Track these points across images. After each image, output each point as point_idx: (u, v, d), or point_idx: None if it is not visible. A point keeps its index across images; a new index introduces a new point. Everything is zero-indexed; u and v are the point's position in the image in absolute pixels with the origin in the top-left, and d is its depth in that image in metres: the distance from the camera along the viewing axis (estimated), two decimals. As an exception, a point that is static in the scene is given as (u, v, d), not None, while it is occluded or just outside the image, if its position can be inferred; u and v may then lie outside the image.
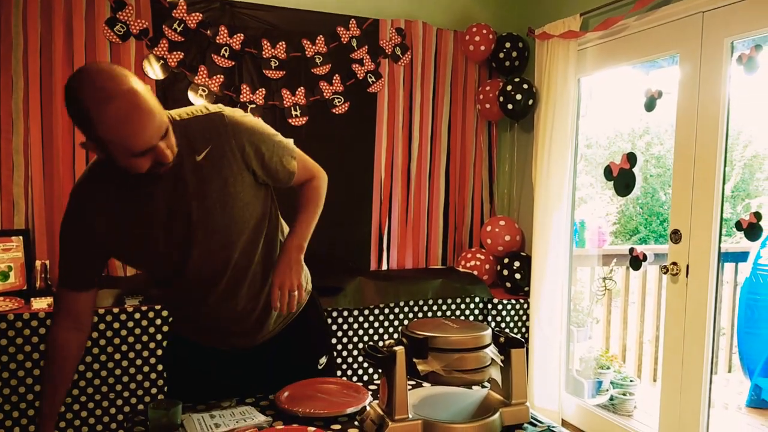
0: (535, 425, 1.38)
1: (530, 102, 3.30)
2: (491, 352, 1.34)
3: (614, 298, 4.07)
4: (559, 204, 3.20)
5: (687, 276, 2.61)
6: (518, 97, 3.28)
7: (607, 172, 3.02)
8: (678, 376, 2.64)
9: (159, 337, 2.65)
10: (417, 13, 3.47)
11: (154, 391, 2.66)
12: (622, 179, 2.96)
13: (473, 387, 1.55)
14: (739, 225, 2.46)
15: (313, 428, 1.30)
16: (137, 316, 2.61)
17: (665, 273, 2.70)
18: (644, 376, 3.99)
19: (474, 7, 3.62)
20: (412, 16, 3.44)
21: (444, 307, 3.16)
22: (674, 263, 2.65)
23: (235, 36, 3.05)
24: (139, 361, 2.62)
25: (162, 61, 2.96)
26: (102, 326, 2.56)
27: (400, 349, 1.29)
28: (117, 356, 2.59)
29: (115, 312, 2.58)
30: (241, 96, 3.09)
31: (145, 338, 2.63)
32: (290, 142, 1.57)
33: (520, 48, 3.43)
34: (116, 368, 2.59)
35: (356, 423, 1.37)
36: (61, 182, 2.81)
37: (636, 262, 2.93)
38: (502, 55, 3.44)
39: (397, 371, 1.28)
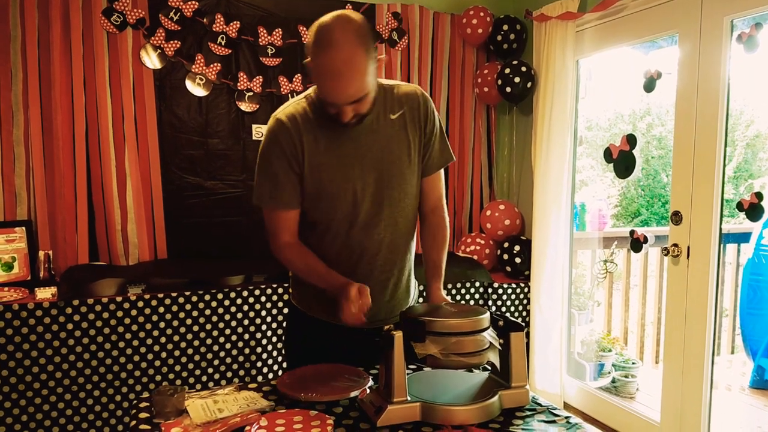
0: (535, 408, 1.40)
1: (529, 85, 3.29)
2: (489, 335, 1.35)
3: (615, 281, 4.08)
4: (558, 187, 3.19)
5: (688, 258, 2.61)
6: (516, 80, 3.26)
7: (607, 155, 3.01)
8: (680, 357, 2.65)
9: (162, 324, 2.67)
10: (414, -4, 3.45)
11: (158, 378, 2.68)
12: (622, 161, 2.95)
13: (474, 370, 1.56)
14: (740, 205, 2.45)
15: (315, 412, 1.31)
16: (140, 304, 2.63)
17: (666, 255, 2.70)
18: (646, 358, 4.01)
19: (471, -11, 3.59)
20: (408, 0, 3.42)
21: (444, 292, 3.16)
22: (675, 245, 2.66)
23: (231, 24, 3.04)
24: (143, 349, 2.65)
25: (159, 51, 2.95)
26: (105, 315, 2.58)
27: (398, 333, 1.30)
28: (121, 344, 2.61)
29: (118, 301, 2.60)
30: (239, 84, 3.08)
31: (148, 326, 2.65)
32: None
33: (517, 30, 3.41)
34: (120, 356, 2.61)
35: (357, 406, 1.39)
36: (62, 172, 2.82)
37: (637, 244, 2.93)
38: (499, 38, 3.42)
39: (396, 354, 1.29)
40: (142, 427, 1.28)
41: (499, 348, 1.37)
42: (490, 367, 1.50)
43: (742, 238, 3.66)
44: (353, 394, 1.41)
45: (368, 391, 1.40)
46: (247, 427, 1.21)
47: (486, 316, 1.35)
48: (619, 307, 4.05)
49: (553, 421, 1.32)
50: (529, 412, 1.37)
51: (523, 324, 1.41)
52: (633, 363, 3.57)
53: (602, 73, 3.74)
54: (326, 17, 1.38)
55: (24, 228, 2.77)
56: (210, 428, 1.22)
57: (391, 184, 1.58)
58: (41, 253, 2.74)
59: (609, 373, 3.59)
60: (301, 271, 1.62)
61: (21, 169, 2.78)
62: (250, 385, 1.53)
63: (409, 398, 1.31)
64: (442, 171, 1.70)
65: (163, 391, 1.34)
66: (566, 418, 1.34)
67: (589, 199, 5.10)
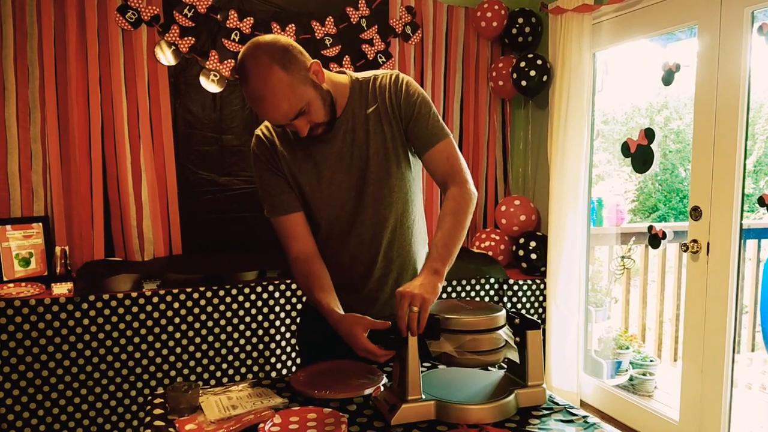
0: (552, 407, 1.38)
1: (544, 78, 3.24)
2: (505, 333, 1.33)
3: (633, 277, 4.02)
4: (575, 182, 3.15)
5: (708, 254, 2.56)
6: (532, 73, 3.22)
7: (625, 149, 2.97)
8: (699, 355, 2.61)
9: (176, 320, 2.68)
10: (428, -10, 3.42)
11: (173, 373, 2.70)
12: (639, 156, 2.90)
13: (490, 369, 1.54)
14: (761, 200, 2.41)
15: (329, 409, 1.30)
16: (155, 299, 2.65)
17: (685, 251, 2.66)
18: (664, 356, 3.95)
19: (486, -17, 3.55)
20: (422, -6, 3.39)
21: (459, 289, 3.15)
22: (694, 241, 2.61)
23: (245, 20, 3.03)
24: (157, 344, 2.66)
25: (173, 47, 2.95)
26: (121, 310, 2.60)
27: (412, 331, 1.29)
28: (136, 339, 2.63)
29: (133, 296, 2.61)
30: (253, 80, 3.08)
31: (163, 321, 2.66)
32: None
33: (533, 23, 3.37)
34: (135, 351, 2.63)
35: (371, 404, 1.38)
36: (78, 169, 2.84)
37: (655, 240, 2.89)
38: (514, 31, 3.38)
39: (410, 352, 1.28)
40: (157, 422, 1.28)
41: (514, 346, 1.35)
42: (506, 366, 1.49)
43: (763, 233, 3.59)
44: (367, 391, 1.40)
45: (382, 389, 1.38)
46: (261, 425, 1.20)
47: (502, 314, 1.33)
48: (636, 304, 4.00)
49: (571, 421, 1.30)
50: (546, 412, 1.35)
51: (539, 321, 1.38)
52: (651, 361, 3.53)
53: (619, 66, 3.68)
54: (242, 50, 1.39)
55: (41, 224, 2.79)
56: (224, 425, 1.22)
57: (375, 182, 1.55)
58: (58, 249, 2.76)
59: (626, 371, 3.55)
60: (304, 292, 1.61)
61: (38, 166, 2.80)
62: (264, 382, 1.52)
63: (423, 396, 1.29)
64: (447, 144, 1.54)
65: (178, 388, 1.34)
66: (584, 417, 1.32)
67: (607, 194, 5.04)
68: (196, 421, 1.26)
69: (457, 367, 1.48)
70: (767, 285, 3.62)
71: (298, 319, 2.82)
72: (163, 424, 1.28)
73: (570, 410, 1.35)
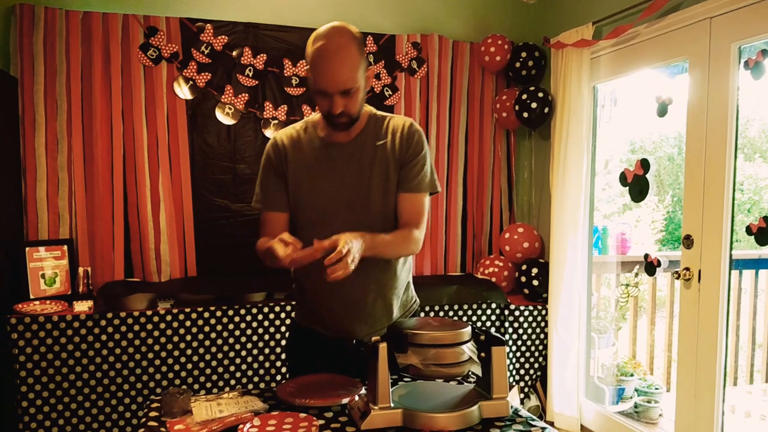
0: (514, 419, 1.47)
1: (546, 110, 3.36)
2: (469, 348, 1.44)
3: (640, 305, 4.05)
4: (575, 211, 3.24)
5: (699, 281, 2.62)
6: (533, 105, 3.35)
7: (623, 179, 3.06)
8: (692, 382, 2.65)
9: (188, 337, 2.83)
10: (433, 26, 3.59)
11: (183, 387, 2.83)
12: (636, 185, 2.99)
13: (463, 383, 1.64)
14: (749, 230, 2.47)
15: (305, 415, 1.42)
16: (169, 318, 2.81)
17: (677, 278, 2.72)
18: (673, 384, 3.94)
19: (490, 18, 3.71)
20: (428, 30, 3.56)
21: (460, 313, 3.24)
22: (687, 269, 2.67)
23: (258, 56, 3.24)
24: (170, 360, 2.81)
25: (191, 82, 3.17)
26: (136, 327, 2.76)
27: (382, 344, 1.40)
28: (150, 355, 2.78)
29: (148, 314, 2.77)
30: (264, 112, 3.27)
31: (175, 338, 2.81)
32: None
33: (536, 57, 3.50)
34: (149, 366, 2.78)
35: (347, 412, 1.49)
36: (101, 196, 3.05)
37: (651, 268, 2.95)
38: (518, 64, 3.51)
39: (380, 363, 1.39)
40: (151, 423, 1.42)
41: (477, 361, 1.45)
42: (474, 381, 1.59)
43: (762, 264, 3.60)
44: (344, 401, 1.51)
45: (357, 398, 1.50)
46: (241, 426, 1.32)
47: (466, 330, 1.44)
48: (643, 331, 4.01)
49: (529, 431, 1.39)
50: (508, 423, 1.44)
51: (504, 338, 1.47)
52: (656, 388, 3.54)
53: (630, 98, 3.74)
54: (328, 24, 1.58)
55: (65, 246, 3.00)
56: (208, 426, 1.34)
57: (360, 208, 1.68)
58: (81, 270, 2.95)
59: (631, 397, 3.57)
60: (260, 253, 1.69)
61: (64, 192, 3.02)
62: (254, 391, 1.65)
63: (392, 405, 1.40)
64: (422, 198, 1.71)
65: (172, 393, 1.47)
66: (542, 429, 1.41)
67: (633, 223, 5.04)
68: (185, 422, 1.39)
69: (430, 381, 1.59)
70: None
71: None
72: (156, 424, 1.41)
73: (531, 422, 1.44)
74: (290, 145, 1.74)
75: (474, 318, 3.27)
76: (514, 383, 3.38)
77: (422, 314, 3.19)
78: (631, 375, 3.63)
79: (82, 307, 2.77)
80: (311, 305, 1.81)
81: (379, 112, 1.77)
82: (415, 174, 1.70)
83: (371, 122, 1.73)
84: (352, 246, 1.42)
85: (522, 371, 3.41)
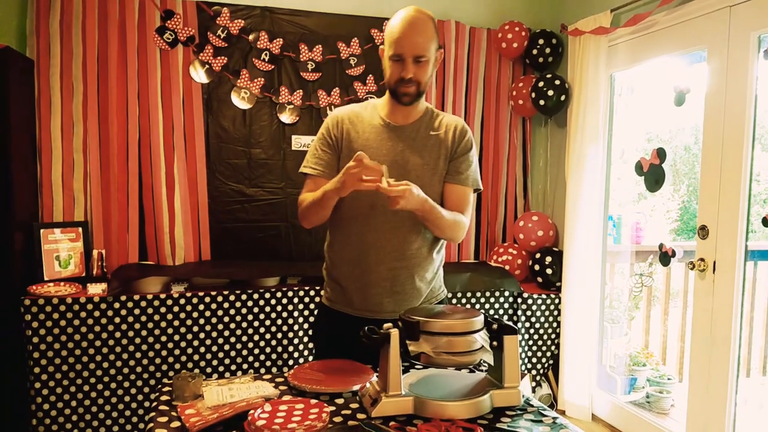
0: (525, 408, 1.47)
1: (562, 98, 3.32)
2: (481, 337, 1.43)
3: (654, 295, 4.02)
4: (590, 199, 3.22)
5: (714, 272, 2.59)
6: (550, 93, 3.31)
7: (638, 168, 3.02)
8: (705, 373, 2.63)
9: (201, 321, 2.85)
10: (451, 12, 3.55)
11: (196, 370, 2.86)
12: (652, 174, 2.95)
13: (475, 371, 1.64)
14: (765, 221, 2.43)
15: (316, 401, 1.43)
16: (182, 301, 2.83)
17: (692, 269, 2.69)
18: (685, 374, 3.91)
19: (507, 4, 3.67)
20: (445, 16, 3.52)
21: (473, 300, 3.24)
22: (701, 259, 2.64)
23: (274, 41, 3.23)
24: (183, 343, 2.84)
25: (207, 66, 3.16)
26: (150, 310, 2.78)
27: (394, 332, 1.40)
28: (163, 338, 2.81)
29: (162, 297, 2.80)
30: (280, 97, 3.26)
31: (189, 322, 2.84)
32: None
33: (553, 44, 3.46)
34: (162, 349, 2.81)
35: (358, 399, 1.49)
36: (116, 178, 3.07)
37: (665, 258, 2.92)
38: (535, 51, 3.47)
39: (391, 351, 1.39)
40: (162, 407, 1.43)
41: (489, 349, 1.45)
42: (486, 369, 1.58)
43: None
44: (355, 387, 1.52)
45: (368, 385, 1.50)
46: (252, 411, 1.33)
47: (478, 319, 1.43)
48: (657, 321, 3.99)
49: (540, 421, 1.39)
50: (519, 412, 1.44)
51: (516, 327, 1.47)
52: (668, 378, 3.52)
53: (647, 87, 3.69)
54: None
55: (80, 228, 3.02)
56: (219, 410, 1.35)
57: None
58: (95, 252, 2.97)
59: (643, 387, 3.55)
60: (305, 204, 1.79)
61: (79, 175, 3.04)
62: (265, 376, 1.66)
63: (403, 392, 1.40)
64: (469, 192, 1.85)
65: (184, 377, 1.48)
66: (554, 419, 1.41)
67: (647, 212, 5.00)
68: (196, 406, 1.40)
69: (441, 369, 1.59)
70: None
71: (310, 319, 2.97)
72: (167, 408, 1.43)
73: (542, 411, 1.44)
74: (350, 121, 1.83)
75: (487, 306, 3.27)
76: (526, 371, 3.38)
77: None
78: (644, 365, 3.61)
79: (96, 289, 2.80)
80: (344, 280, 1.85)
81: (435, 109, 1.90)
82: (465, 168, 1.83)
83: (428, 114, 1.86)
84: (413, 187, 1.56)
85: (534, 359, 3.40)
